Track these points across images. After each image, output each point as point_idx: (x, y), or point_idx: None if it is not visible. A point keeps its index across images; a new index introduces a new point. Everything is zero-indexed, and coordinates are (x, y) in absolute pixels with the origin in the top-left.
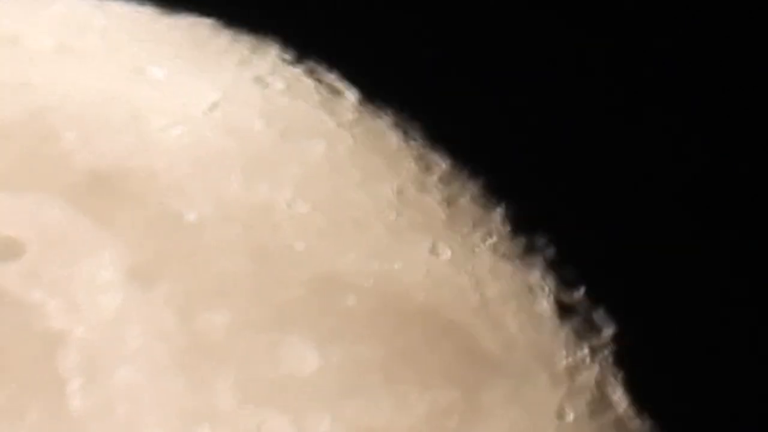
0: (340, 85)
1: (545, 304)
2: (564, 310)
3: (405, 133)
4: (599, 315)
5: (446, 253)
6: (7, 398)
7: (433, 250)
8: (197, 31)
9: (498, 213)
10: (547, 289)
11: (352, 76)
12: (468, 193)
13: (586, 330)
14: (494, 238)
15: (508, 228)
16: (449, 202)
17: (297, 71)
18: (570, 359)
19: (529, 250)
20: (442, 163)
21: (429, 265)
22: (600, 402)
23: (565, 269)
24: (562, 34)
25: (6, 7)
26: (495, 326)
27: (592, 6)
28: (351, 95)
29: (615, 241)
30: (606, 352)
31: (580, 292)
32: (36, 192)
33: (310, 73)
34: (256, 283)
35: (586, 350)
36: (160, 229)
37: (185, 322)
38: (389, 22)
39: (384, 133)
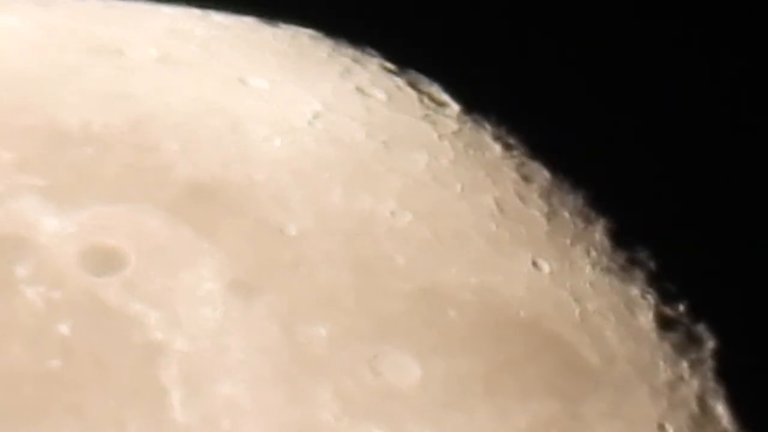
0: (442, 96)
1: (646, 318)
2: (665, 323)
3: (506, 144)
4: (701, 328)
5: (547, 266)
6: (109, 410)
7: (534, 263)
8: (299, 41)
9: (599, 226)
10: (648, 302)
11: (454, 88)
12: (569, 206)
13: (688, 343)
14: (595, 252)
15: (610, 241)
16: (550, 214)
17: (398, 82)
18: (671, 373)
19: (631, 263)
20: (543, 175)
21: (530, 277)
22: (701, 416)
23: (667, 283)
24: (667, 47)
25: (110, 18)
26: (596, 339)
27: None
28: (453, 106)
29: (717, 254)
30: (707, 365)
31: (681, 306)
32: (137, 203)
33: (412, 84)
34: (357, 295)
35: (686, 364)
36: (262, 241)
37: (286, 334)
38: (491, 33)
39: (485, 144)
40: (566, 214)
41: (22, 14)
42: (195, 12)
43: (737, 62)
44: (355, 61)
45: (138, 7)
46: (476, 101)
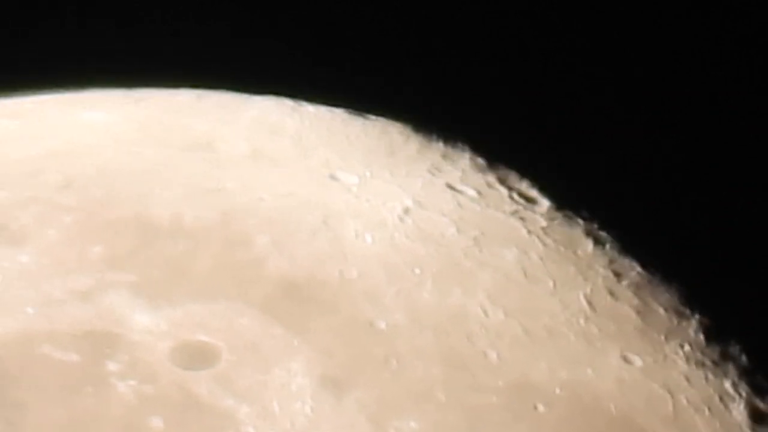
0: (532, 192)
1: (738, 412)
2: (757, 417)
3: (597, 240)
4: None
5: (638, 361)
6: None
7: (625, 358)
8: (389, 135)
9: (692, 321)
10: (739, 396)
11: (544, 184)
12: (661, 301)
13: None
14: (688, 347)
15: (702, 336)
16: (641, 309)
17: (488, 177)
18: None
19: (723, 358)
20: (634, 270)
21: (621, 373)
22: None
23: (758, 376)
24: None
25: (201, 111)
26: None
27: None
28: (543, 203)
29: None
30: None
31: None
32: (229, 299)
33: (501, 179)
34: (448, 390)
35: None
36: (353, 336)
37: (377, 428)
38: (582, 130)
39: (576, 240)
40: (658, 310)
41: (112, 109)
42: (286, 102)
43: None
44: (445, 156)
45: (229, 99)
46: (566, 197)
